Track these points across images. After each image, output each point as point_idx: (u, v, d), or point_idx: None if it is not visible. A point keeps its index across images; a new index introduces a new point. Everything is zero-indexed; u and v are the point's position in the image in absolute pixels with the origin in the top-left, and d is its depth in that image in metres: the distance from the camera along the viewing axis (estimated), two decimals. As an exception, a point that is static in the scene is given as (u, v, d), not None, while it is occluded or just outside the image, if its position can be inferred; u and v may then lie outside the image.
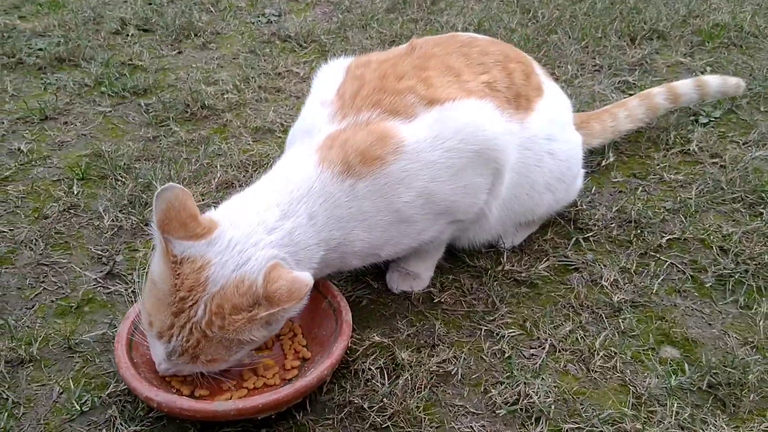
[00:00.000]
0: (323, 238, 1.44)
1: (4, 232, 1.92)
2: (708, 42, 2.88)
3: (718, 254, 1.81)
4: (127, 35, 3.13)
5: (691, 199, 2.00)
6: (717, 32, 2.92)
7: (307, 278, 1.31)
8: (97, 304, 1.70)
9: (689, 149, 2.22)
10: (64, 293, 1.73)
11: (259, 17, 3.32)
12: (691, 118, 2.38)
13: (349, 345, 1.50)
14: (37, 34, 3.11)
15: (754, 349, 1.55)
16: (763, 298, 1.68)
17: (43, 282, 1.76)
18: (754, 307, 1.66)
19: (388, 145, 1.46)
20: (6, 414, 1.41)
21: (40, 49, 2.95)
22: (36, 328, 1.62)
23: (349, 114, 1.52)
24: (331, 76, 1.66)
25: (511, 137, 1.62)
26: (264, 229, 1.38)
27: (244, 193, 1.49)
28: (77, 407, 1.43)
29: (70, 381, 1.49)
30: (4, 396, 1.45)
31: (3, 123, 2.43)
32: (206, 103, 2.52)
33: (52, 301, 1.71)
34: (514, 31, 3.03)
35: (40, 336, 1.59)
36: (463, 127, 1.52)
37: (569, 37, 2.97)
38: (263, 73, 2.76)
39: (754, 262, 1.78)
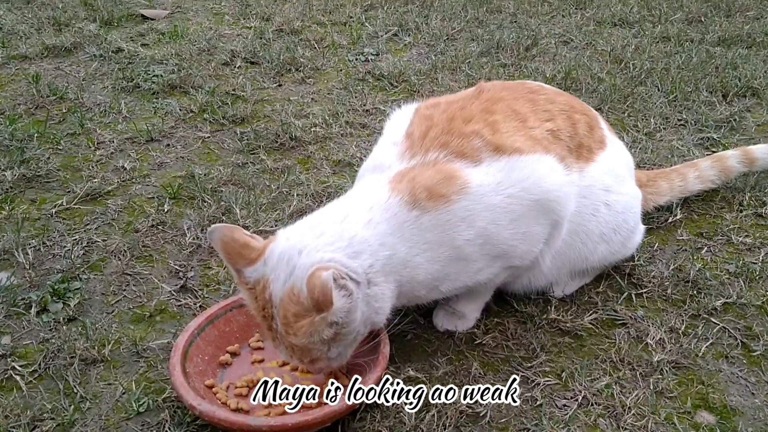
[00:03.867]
0: (387, 243, 1.50)
1: (98, 241, 2.13)
2: (805, 103, 2.79)
3: (774, 323, 1.77)
4: (235, 67, 3.37)
5: (756, 263, 1.96)
6: (817, 93, 2.83)
7: (330, 276, 1.35)
8: (168, 315, 1.86)
9: (763, 212, 2.17)
10: (141, 302, 1.91)
11: (357, 56, 3.49)
12: (775, 180, 2.33)
13: (385, 376, 1.58)
14: (155, 61, 3.40)
15: (796, 425, 1.52)
16: (817, 373, 1.64)
17: (124, 290, 1.95)
18: (806, 381, 1.62)
19: (454, 186, 1.55)
20: (73, 408, 1.57)
21: (156, 76, 3.23)
22: (112, 331, 1.80)
23: (418, 153, 1.62)
24: (401, 119, 1.77)
25: (571, 188, 1.67)
26: (313, 235, 1.47)
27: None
28: (135, 408, 1.57)
29: (133, 383, 1.65)
30: (75, 390, 1.62)
31: (113, 142, 2.68)
32: (294, 135, 2.69)
33: (130, 309, 1.88)
34: (602, 81, 3.04)
35: (114, 339, 1.76)
36: (526, 177, 1.59)
37: (658, 90, 2.96)
38: (352, 109, 2.91)
39: (813, 335, 1.73)
